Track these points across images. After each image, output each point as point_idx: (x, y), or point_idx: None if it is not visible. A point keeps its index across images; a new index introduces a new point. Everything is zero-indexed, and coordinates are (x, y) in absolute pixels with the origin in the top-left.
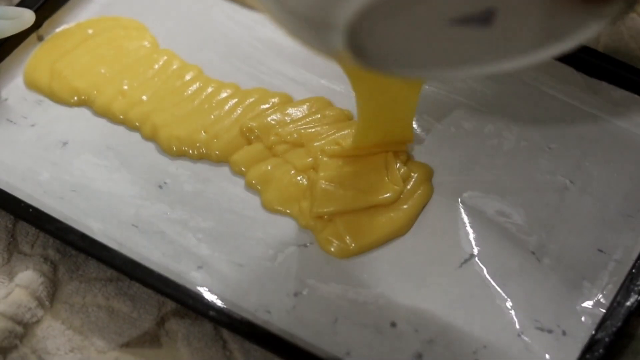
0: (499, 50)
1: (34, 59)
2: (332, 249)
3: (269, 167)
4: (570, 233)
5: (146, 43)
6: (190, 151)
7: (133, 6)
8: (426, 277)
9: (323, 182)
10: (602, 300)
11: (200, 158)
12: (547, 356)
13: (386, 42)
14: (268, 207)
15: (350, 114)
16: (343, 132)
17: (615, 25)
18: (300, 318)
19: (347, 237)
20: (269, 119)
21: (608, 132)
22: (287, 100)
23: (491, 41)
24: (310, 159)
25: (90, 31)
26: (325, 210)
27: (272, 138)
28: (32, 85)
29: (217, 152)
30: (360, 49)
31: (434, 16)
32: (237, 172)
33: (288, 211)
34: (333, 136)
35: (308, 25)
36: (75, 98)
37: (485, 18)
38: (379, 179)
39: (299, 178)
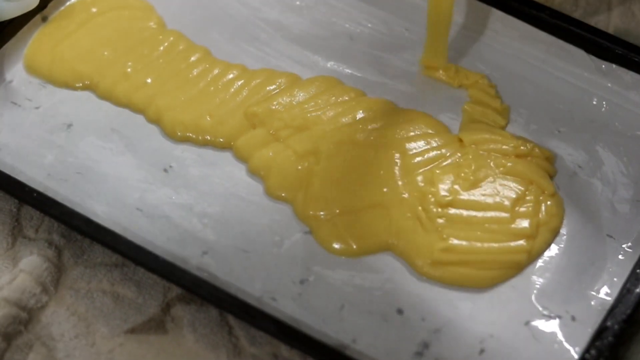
0: None
1: (34, 43)
2: (334, 248)
3: (271, 153)
4: (580, 218)
5: (152, 24)
6: (194, 136)
7: None
8: None
9: (319, 179)
10: (611, 286)
11: (205, 144)
12: (555, 344)
13: None
14: (271, 194)
15: (361, 92)
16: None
17: (625, 7)
18: (306, 305)
19: (349, 240)
20: (274, 102)
21: (618, 116)
22: (295, 80)
23: None
24: (312, 145)
25: (94, 9)
26: (320, 213)
27: (276, 123)
28: (32, 70)
29: (221, 140)
30: None
31: None
32: (241, 158)
33: (289, 198)
34: (341, 118)
35: None
36: (80, 84)
37: None
38: (387, 172)
39: (299, 166)
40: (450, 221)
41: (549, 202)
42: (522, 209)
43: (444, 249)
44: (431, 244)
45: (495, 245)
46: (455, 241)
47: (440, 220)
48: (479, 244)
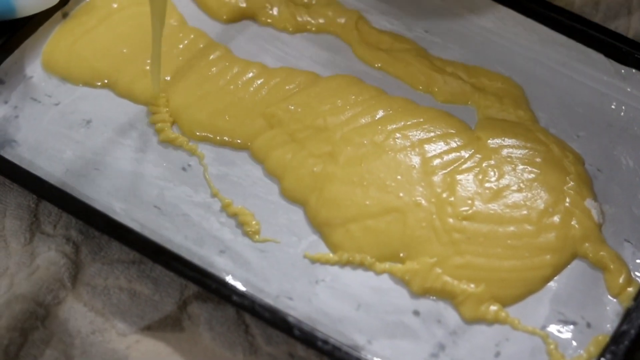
0: None
1: (52, 41)
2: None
3: (288, 155)
4: None
5: (173, 21)
6: (212, 136)
7: None
8: None
9: (334, 182)
10: None
11: (223, 144)
12: (570, 350)
13: None
14: (286, 196)
15: (381, 90)
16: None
17: None
18: (322, 305)
19: (363, 249)
20: (292, 102)
21: (637, 120)
22: (314, 79)
23: None
24: (329, 147)
25: (114, 5)
26: (334, 222)
27: (294, 124)
28: (49, 68)
29: (238, 141)
30: None
31: None
32: (258, 160)
33: (304, 200)
34: (360, 118)
35: None
36: (99, 82)
37: None
38: (405, 175)
39: (315, 168)
40: (469, 236)
41: (582, 211)
42: (550, 221)
43: (459, 266)
44: (444, 259)
45: (517, 262)
46: (473, 258)
47: (457, 235)
48: (498, 262)
